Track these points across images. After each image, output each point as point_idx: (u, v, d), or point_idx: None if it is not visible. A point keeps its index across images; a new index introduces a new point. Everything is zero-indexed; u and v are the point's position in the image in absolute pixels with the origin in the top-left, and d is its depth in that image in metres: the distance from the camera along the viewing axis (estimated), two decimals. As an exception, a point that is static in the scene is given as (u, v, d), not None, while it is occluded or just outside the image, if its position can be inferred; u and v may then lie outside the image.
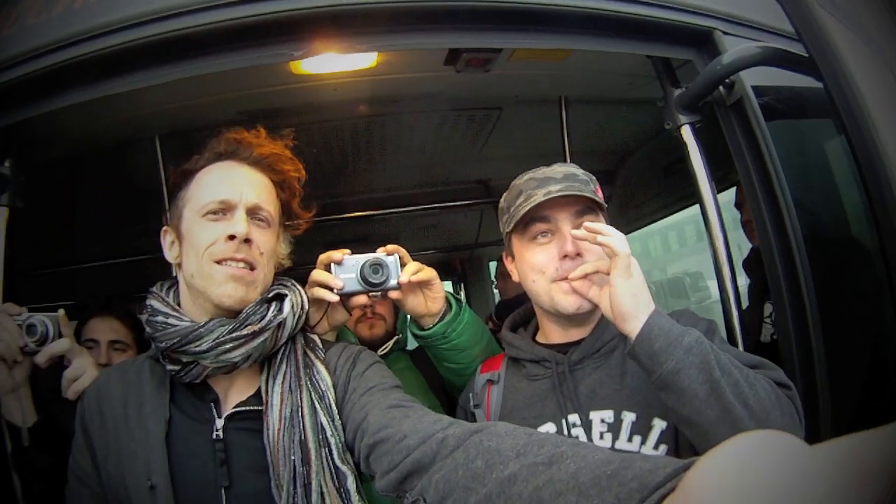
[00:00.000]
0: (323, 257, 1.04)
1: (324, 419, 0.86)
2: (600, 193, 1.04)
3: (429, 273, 1.09)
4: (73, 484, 0.92)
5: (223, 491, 0.85)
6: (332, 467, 0.84)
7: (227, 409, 0.91)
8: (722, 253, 1.20)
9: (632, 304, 0.85)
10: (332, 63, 1.35)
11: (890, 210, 0.95)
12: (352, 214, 2.20)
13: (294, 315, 0.92)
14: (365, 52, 1.17)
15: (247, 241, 0.89)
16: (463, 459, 0.62)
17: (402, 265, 1.06)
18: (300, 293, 0.97)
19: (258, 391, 0.90)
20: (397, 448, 0.72)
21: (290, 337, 0.94)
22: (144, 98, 1.14)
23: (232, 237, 0.88)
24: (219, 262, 0.88)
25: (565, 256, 0.98)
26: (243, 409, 0.90)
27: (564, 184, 0.99)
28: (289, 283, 0.98)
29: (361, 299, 1.04)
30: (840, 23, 1.11)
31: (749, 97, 1.16)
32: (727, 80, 1.17)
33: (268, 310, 0.90)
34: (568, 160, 1.92)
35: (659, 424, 0.93)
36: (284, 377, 0.90)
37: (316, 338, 0.99)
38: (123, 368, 0.98)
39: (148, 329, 0.91)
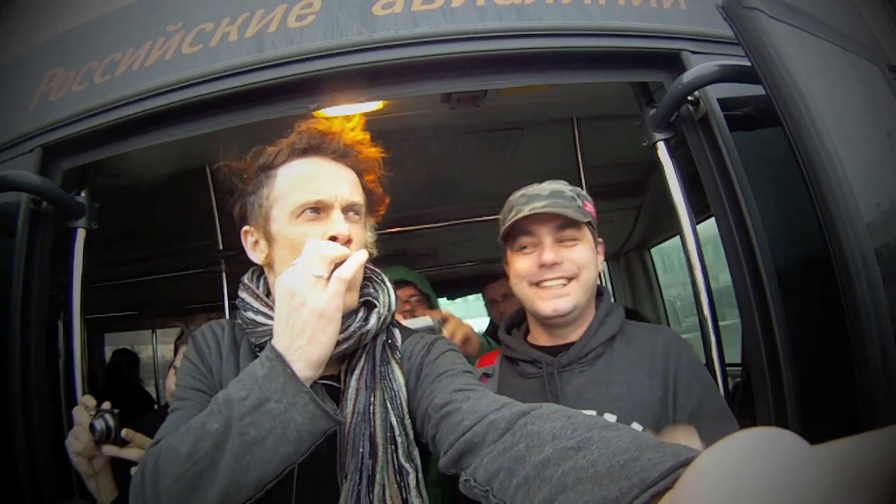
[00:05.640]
0: None
1: (393, 419, 0.87)
2: (589, 207, 1.14)
3: (464, 330, 1.64)
4: (189, 396, 0.88)
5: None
6: (396, 464, 0.86)
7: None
8: (699, 276, 1.24)
9: None
10: (345, 108, 1.59)
11: (835, 217, 0.97)
12: (389, 231, 2.41)
13: (380, 320, 0.90)
14: (367, 102, 1.40)
15: (348, 241, 0.86)
16: (509, 442, 0.63)
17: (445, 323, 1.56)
18: (389, 293, 0.95)
19: (334, 376, 0.91)
20: (455, 429, 0.74)
21: (372, 337, 0.92)
22: (197, 139, 1.35)
23: (333, 238, 0.85)
24: None
25: (542, 265, 1.11)
26: (322, 382, 0.84)
27: (549, 200, 1.10)
28: (378, 281, 0.95)
29: None
30: (791, 27, 1.13)
31: (714, 112, 1.21)
32: (692, 98, 1.23)
33: (354, 319, 0.87)
34: (582, 177, 2.02)
35: (637, 427, 1.01)
36: (361, 373, 0.90)
37: (397, 334, 0.97)
38: (220, 326, 0.98)
39: (239, 321, 0.93)
